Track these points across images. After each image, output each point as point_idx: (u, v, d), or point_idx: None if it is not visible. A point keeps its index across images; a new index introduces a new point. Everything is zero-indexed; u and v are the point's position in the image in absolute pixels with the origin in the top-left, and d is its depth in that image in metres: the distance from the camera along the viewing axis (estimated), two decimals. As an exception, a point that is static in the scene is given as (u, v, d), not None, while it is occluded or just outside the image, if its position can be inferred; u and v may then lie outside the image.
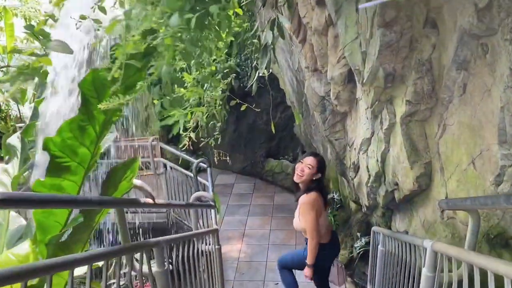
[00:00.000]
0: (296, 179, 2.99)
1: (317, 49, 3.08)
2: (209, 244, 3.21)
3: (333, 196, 4.96)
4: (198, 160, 4.48)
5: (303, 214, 2.90)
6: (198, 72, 3.19)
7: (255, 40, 2.84)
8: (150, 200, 1.79)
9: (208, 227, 4.28)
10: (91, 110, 1.46)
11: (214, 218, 3.46)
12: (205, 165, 4.52)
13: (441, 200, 2.10)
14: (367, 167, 3.07)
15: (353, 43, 2.39)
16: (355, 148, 3.38)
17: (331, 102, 3.51)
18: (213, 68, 6.20)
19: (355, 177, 3.67)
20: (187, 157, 4.98)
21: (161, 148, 7.37)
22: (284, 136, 6.66)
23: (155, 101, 7.20)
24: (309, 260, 2.91)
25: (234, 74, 6.24)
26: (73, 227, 1.62)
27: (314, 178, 2.93)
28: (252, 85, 2.77)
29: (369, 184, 3.16)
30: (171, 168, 5.33)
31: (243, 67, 6.25)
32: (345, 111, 3.44)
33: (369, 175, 3.10)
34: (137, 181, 1.79)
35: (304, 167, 2.98)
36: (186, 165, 7.43)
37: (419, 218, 2.72)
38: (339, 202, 4.94)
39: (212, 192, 3.99)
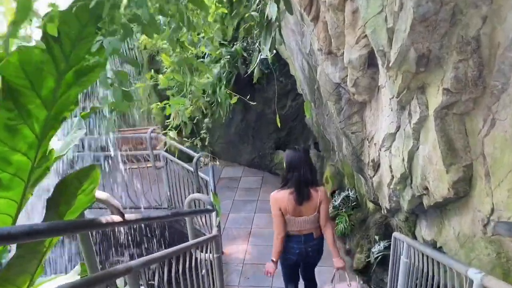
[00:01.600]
0: None
1: (332, 28, 2.66)
2: (208, 252, 2.86)
3: (348, 193, 4.57)
4: (199, 155, 4.12)
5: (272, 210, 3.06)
6: (177, 52, 2.79)
7: (254, 13, 2.42)
8: (117, 218, 1.42)
9: (210, 228, 3.93)
10: (24, 104, 1.08)
11: (215, 222, 3.09)
12: (206, 160, 4.15)
13: (499, 223, 1.69)
14: (390, 166, 2.67)
15: (377, 18, 1.97)
16: (375, 144, 2.98)
17: (348, 90, 3.09)
18: (214, 53, 5.79)
19: (374, 175, 3.26)
20: (188, 150, 4.62)
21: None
22: (295, 126, 6.25)
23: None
24: (274, 253, 3.07)
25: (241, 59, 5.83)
26: (14, 257, 1.26)
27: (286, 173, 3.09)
28: (254, 70, 2.37)
29: (391, 186, 2.76)
30: (171, 161, 4.99)
31: (250, 51, 5.82)
32: (363, 101, 3.02)
33: (392, 176, 2.69)
34: (100, 194, 1.43)
35: None
36: (190, 157, 7.10)
37: (453, 229, 2.32)
38: (355, 201, 4.55)
39: (212, 190, 3.63)
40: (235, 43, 5.97)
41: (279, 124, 3.10)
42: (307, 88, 4.82)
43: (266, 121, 6.36)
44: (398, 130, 2.40)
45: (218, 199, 3.04)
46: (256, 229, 5.12)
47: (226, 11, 6.06)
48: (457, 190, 2.03)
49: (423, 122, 2.09)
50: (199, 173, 4.42)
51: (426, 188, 2.32)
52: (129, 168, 5.84)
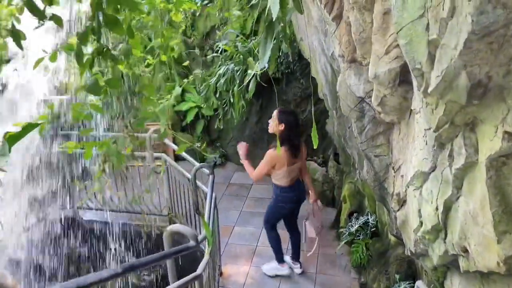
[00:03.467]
0: (269, 131, 3.88)
1: (357, 31, 2.14)
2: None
3: (368, 219, 4.04)
4: (199, 165, 3.67)
5: (262, 161, 3.73)
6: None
7: None
8: None
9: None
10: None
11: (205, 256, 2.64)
12: (207, 171, 3.71)
13: None
14: (419, 211, 2.15)
15: (415, 25, 1.45)
16: (402, 176, 2.46)
17: (372, 107, 2.57)
18: (229, 48, 5.31)
19: (398, 210, 2.74)
20: (189, 157, 4.17)
21: (173, 139, 6.65)
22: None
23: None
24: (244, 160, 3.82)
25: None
26: None
27: (281, 129, 3.58)
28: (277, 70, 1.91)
29: (419, 234, 2.24)
30: (171, 166, 4.58)
31: (270, 47, 5.32)
32: (391, 121, 2.50)
33: (421, 223, 2.17)
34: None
35: (269, 120, 3.83)
36: (202, 158, 6.68)
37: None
38: (374, 227, 4.02)
39: (209, 212, 3.18)
40: (254, 38, 5.48)
41: (315, 144, 2.49)
42: (329, 94, 4.29)
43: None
44: (433, 171, 1.87)
45: (208, 229, 2.59)
46: (261, 248, 4.66)
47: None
48: (511, 267, 1.51)
49: (468, 169, 1.56)
50: (200, 184, 3.98)
51: (466, 251, 1.80)
52: (130, 166, 5.49)
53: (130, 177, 5.00)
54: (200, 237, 2.49)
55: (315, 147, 1.82)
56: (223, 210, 5.32)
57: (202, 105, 6.11)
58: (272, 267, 4.26)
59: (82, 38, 1.56)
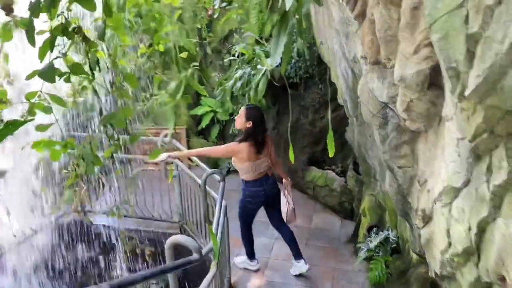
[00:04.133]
0: (236, 127, 3.97)
1: (382, 30, 1.95)
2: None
3: (388, 234, 3.80)
4: (210, 171, 3.51)
5: (222, 147, 3.98)
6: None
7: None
8: None
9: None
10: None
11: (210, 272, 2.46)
12: (217, 178, 3.54)
13: None
14: (448, 230, 1.93)
15: (451, 18, 1.26)
16: (428, 191, 2.24)
17: (397, 113, 2.37)
18: (246, 52, 5.16)
19: (423, 227, 2.52)
20: (200, 162, 4.02)
21: (187, 141, 6.53)
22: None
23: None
24: (176, 153, 3.94)
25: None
26: None
27: (247, 126, 3.69)
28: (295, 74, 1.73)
29: (447, 256, 2.02)
30: (183, 171, 4.44)
31: (289, 51, 5.14)
32: (417, 129, 2.29)
33: (449, 243, 1.95)
34: None
35: (236, 117, 3.89)
36: (215, 163, 6.54)
37: None
38: (395, 244, 3.77)
39: (217, 221, 3.01)
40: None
41: (331, 153, 2.27)
42: (349, 100, 4.09)
43: (301, 133, 5.66)
44: (466, 186, 1.66)
45: (216, 240, 2.41)
46: (274, 261, 4.46)
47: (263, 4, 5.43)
48: (561, 303, 1.28)
49: (510, 187, 1.35)
50: (211, 191, 3.82)
51: (503, 279, 1.57)
52: (141, 170, 5.40)
53: (142, 181, 4.90)
54: (206, 249, 2.32)
55: (330, 155, 1.65)
56: (234, 219, 5.13)
57: (218, 110, 5.97)
58: (242, 260, 4.41)
59: (34, 10, 1.34)
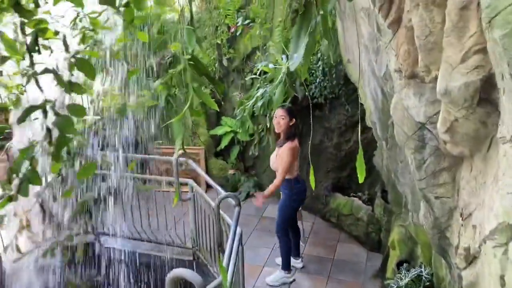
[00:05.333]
0: (277, 130, 4.00)
1: (422, 35, 1.69)
2: None
3: (421, 271, 3.43)
4: (224, 195, 3.26)
5: (281, 156, 3.87)
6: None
7: None
8: None
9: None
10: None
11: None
12: (233, 202, 3.28)
13: None
14: (502, 277, 1.60)
15: (518, 10, 0.99)
16: (474, 226, 1.92)
17: (436, 135, 2.08)
18: (269, 70, 4.96)
19: (465, 268, 2.18)
20: (215, 185, 3.77)
21: (206, 162, 6.33)
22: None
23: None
24: (267, 191, 3.97)
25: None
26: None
27: (290, 124, 3.89)
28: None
29: (500, 307, 1.68)
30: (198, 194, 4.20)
31: (313, 70, 4.91)
32: (460, 154, 2.00)
33: (504, 293, 1.62)
34: None
35: (279, 120, 3.96)
36: (235, 186, 6.28)
37: None
38: (429, 282, 3.39)
39: (230, 250, 2.74)
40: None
41: (361, 178, 1.99)
42: (378, 122, 3.81)
43: (324, 156, 5.37)
44: (529, 224, 1.35)
45: (225, 274, 2.14)
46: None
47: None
48: None
49: None
50: (226, 217, 3.56)
51: None
52: (155, 191, 5.21)
53: (155, 202, 4.70)
54: (213, 285, 2.05)
55: (360, 180, 1.37)
56: (252, 247, 4.84)
57: (238, 130, 5.76)
58: (277, 276, 4.28)
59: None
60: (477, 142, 1.77)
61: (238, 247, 3.15)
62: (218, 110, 2.93)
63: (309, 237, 5.10)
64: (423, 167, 2.28)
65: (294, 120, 3.91)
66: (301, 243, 4.57)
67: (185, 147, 6.29)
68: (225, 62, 5.79)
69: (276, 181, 3.90)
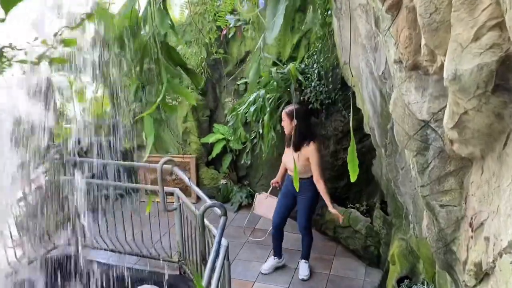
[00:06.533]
0: (287, 133, 4.18)
1: (425, 14, 1.47)
2: None
3: (423, 289, 3.17)
4: (208, 204, 3.01)
5: (312, 160, 4.04)
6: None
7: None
8: None
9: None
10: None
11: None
12: (218, 212, 3.03)
13: None
14: (523, 298, 1.35)
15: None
16: (486, 238, 1.67)
17: (442, 134, 1.86)
18: (263, 74, 4.75)
19: (475, 286, 1.93)
20: (201, 193, 3.52)
21: (197, 172, 6.09)
22: (358, 176, 4.91)
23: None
24: (329, 203, 4.08)
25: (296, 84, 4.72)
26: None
27: (293, 125, 4.01)
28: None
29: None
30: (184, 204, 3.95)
31: (309, 74, 4.70)
32: (470, 156, 1.77)
33: (526, 317, 1.37)
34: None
35: (283, 124, 4.20)
36: (227, 196, 6.03)
37: None
38: (432, 301, 3.13)
39: (212, 264, 2.48)
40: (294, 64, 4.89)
41: (354, 177, 1.79)
42: (376, 128, 3.59)
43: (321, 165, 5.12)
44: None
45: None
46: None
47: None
48: None
49: None
50: (212, 228, 3.31)
51: None
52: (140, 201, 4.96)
53: (139, 213, 4.46)
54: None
55: (352, 179, 1.14)
56: (242, 261, 4.59)
57: (230, 138, 5.52)
58: (270, 264, 4.61)
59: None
60: (490, 139, 1.54)
61: (223, 261, 2.89)
62: (195, 104, 2.69)
63: (303, 250, 4.83)
64: (426, 172, 2.05)
65: (296, 120, 3.96)
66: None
67: (175, 155, 6.05)
68: (212, 62, 5.56)
69: (321, 187, 4.06)
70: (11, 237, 4.49)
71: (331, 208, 4.05)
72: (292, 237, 5.02)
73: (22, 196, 4.36)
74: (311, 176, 4.11)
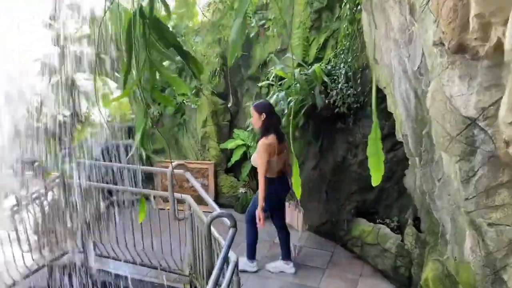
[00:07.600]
0: (255, 127, 4.13)
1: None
2: None
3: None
4: (215, 214, 2.71)
5: (258, 154, 3.88)
6: None
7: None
8: None
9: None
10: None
11: None
12: (228, 223, 2.72)
13: None
14: None
15: None
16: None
17: (492, 135, 1.50)
18: (284, 74, 4.44)
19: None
20: (211, 201, 3.23)
21: (215, 179, 5.81)
22: (388, 188, 4.52)
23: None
24: (260, 200, 3.89)
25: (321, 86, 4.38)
26: None
27: (263, 119, 3.90)
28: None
29: None
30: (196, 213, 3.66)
31: (335, 76, 4.36)
32: (531, 162, 1.39)
33: None
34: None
35: (250, 120, 4.41)
36: (245, 206, 5.71)
37: None
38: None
39: (215, 281, 2.17)
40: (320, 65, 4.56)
41: (376, 180, 1.46)
42: (410, 134, 3.21)
43: (348, 175, 4.75)
44: None
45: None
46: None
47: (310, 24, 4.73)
48: None
49: None
50: (221, 239, 3.00)
51: None
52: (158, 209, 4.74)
53: (150, 222, 4.20)
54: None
55: (374, 183, 0.81)
56: (260, 278, 4.25)
57: (251, 144, 5.23)
58: (243, 262, 4.30)
59: None
60: None
61: (231, 278, 2.57)
62: (188, 93, 2.40)
63: (327, 267, 4.44)
64: (472, 182, 1.69)
65: (264, 114, 3.86)
66: (291, 245, 4.50)
67: (192, 161, 5.79)
68: (234, 64, 5.31)
69: (260, 184, 3.87)
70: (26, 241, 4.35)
71: (258, 210, 3.90)
72: (316, 253, 4.64)
73: (36, 197, 4.22)
74: (269, 177, 3.99)
